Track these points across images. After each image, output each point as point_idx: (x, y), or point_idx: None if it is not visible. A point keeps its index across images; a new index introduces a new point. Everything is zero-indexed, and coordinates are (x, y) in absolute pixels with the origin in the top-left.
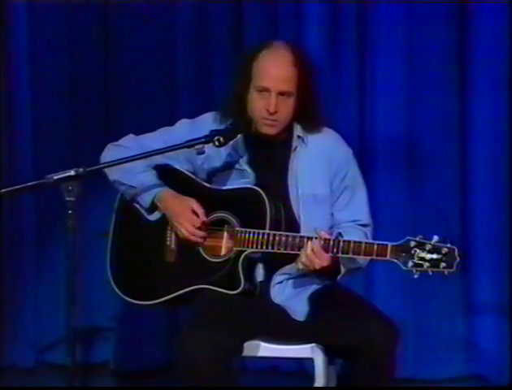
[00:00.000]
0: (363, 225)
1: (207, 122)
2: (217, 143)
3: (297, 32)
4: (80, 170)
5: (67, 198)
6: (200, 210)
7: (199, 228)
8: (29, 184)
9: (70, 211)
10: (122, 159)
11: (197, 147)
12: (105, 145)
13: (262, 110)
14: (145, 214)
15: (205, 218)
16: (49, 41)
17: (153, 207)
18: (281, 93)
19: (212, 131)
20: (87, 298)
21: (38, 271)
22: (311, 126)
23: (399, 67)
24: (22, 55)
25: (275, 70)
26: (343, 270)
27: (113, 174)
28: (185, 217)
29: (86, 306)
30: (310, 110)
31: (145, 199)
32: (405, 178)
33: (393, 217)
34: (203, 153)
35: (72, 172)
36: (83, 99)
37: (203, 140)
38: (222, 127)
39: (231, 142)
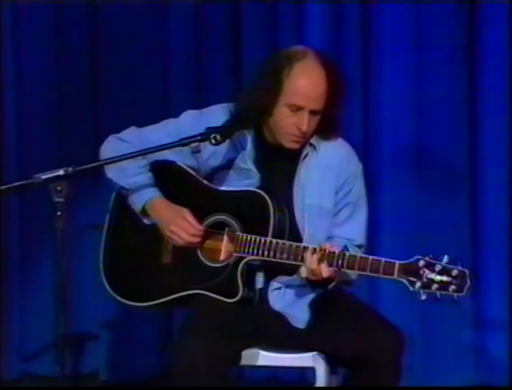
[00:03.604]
0: (357, 246)
1: (216, 115)
2: (213, 141)
3: (298, 33)
4: (70, 169)
5: (56, 199)
6: (192, 219)
7: (194, 235)
8: (16, 184)
9: (59, 213)
10: (115, 157)
11: (192, 145)
12: (94, 145)
13: (292, 127)
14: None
15: (198, 226)
16: (35, 39)
17: (144, 213)
18: (312, 111)
19: (208, 128)
20: (75, 303)
21: (23, 277)
22: (328, 137)
23: (405, 68)
24: (7, 54)
25: (310, 89)
26: (334, 281)
27: (109, 171)
28: (178, 224)
29: (74, 312)
30: (331, 122)
31: (137, 204)
32: (413, 187)
33: (400, 228)
34: (199, 152)
35: (61, 172)
36: (71, 98)
37: (199, 138)
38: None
39: (239, 141)
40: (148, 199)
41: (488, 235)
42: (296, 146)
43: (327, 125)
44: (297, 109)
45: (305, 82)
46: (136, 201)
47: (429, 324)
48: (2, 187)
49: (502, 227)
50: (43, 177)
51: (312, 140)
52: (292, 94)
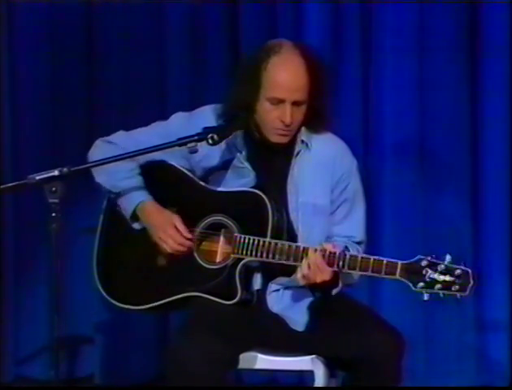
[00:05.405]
0: (357, 242)
1: (206, 116)
2: (210, 141)
3: (297, 31)
4: (65, 170)
5: (50, 200)
6: (182, 227)
7: (181, 244)
8: (10, 184)
9: (53, 214)
10: (109, 158)
11: (189, 145)
12: (89, 145)
13: (276, 121)
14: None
15: (188, 235)
16: (30, 41)
17: (134, 217)
18: (295, 103)
19: (205, 128)
20: (69, 306)
21: (17, 279)
22: (318, 129)
23: (406, 66)
24: (2, 55)
25: (289, 80)
26: (340, 285)
27: (98, 176)
28: (166, 232)
29: (69, 315)
30: (318, 114)
31: (127, 209)
32: (414, 184)
33: (401, 226)
34: (196, 151)
35: (56, 172)
36: (66, 99)
37: (196, 137)
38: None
39: (231, 141)
40: (138, 203)
41: (489, 235)
42: (283, 140)
43: (315, 117)
44: (278, 102)
45: (283, 74)
46: (127, 206)
47: (430, 327)
48: None
49: (504, 227)
50: (37, 178)
51: (303, 137)
52: (271, 87)
